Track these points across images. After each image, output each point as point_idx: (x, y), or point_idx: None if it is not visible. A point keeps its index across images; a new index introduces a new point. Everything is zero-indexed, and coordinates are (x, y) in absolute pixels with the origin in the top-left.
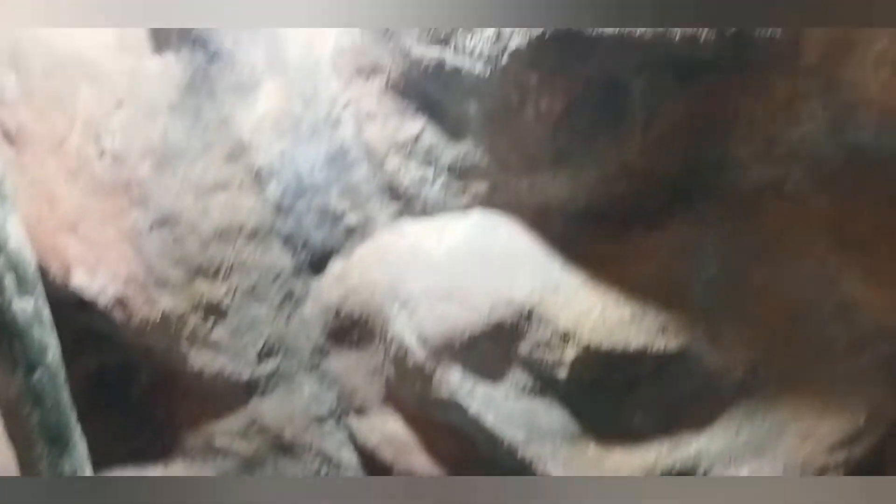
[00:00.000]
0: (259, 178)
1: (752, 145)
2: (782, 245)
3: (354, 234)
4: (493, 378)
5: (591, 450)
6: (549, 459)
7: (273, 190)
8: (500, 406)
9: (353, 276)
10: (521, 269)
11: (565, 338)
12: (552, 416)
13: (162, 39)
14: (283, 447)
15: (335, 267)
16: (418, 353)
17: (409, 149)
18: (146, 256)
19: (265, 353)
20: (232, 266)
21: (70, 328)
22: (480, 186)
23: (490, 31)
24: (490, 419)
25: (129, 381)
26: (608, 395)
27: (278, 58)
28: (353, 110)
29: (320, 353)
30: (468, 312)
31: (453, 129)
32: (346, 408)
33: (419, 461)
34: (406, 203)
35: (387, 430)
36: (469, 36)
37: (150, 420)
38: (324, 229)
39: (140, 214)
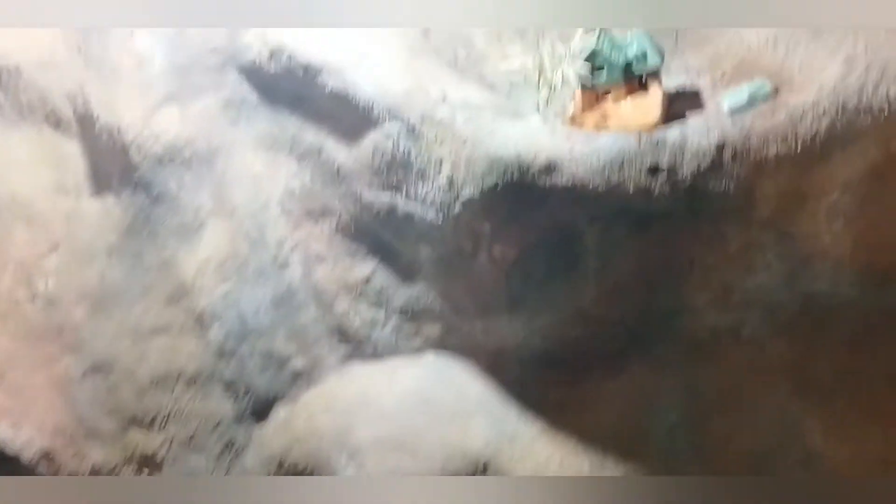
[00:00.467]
0: (201, 322)
1: (709, 292)
2: (742, 391)
3: (300, 378)
4: None
5: None
6: None
7: (215, 333)
8: None
9: (298, 424)
10: (475, 417)
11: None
12: None
13: (103, 182)
14: None
15: (279, 414)
16: None
17: (359, 290)
18: (77, 406)
19: None
20: (169, 414)
21: None
22: (433, 329)
23: (442, 180)
24: None
25: None
26: None
27: (224, 200)
28: (301, 252)
29: None
30: (420, 463)
31: (405, 272)
32: None
33: None
34: (356, 346)
35: None
36: (420, 183)
37: None
38: (268, 374)
39: (72, 361)
